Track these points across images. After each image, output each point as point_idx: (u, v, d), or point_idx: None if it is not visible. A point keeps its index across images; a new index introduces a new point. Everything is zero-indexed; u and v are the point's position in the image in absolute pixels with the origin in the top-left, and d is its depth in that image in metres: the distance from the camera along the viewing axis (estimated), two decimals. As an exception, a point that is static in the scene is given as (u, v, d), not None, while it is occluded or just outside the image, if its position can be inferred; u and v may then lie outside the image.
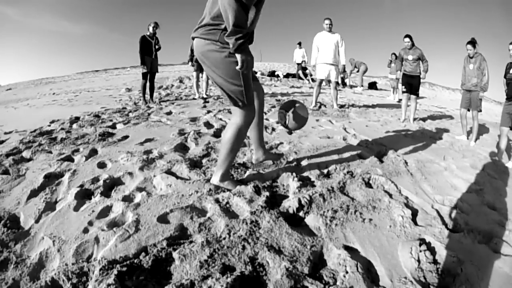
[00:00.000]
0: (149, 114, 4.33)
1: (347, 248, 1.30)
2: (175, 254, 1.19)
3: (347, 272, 1.14)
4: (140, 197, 1.69)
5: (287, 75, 12.65)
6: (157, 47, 5.70)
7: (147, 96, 5.80)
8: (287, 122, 2.01)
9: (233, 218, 1.46)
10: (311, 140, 2.93)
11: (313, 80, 10.77)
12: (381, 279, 1.18)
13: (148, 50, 5.56)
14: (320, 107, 5.54)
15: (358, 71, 11.33)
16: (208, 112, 4.54)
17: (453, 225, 1.60)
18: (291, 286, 1.06)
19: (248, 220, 1.42)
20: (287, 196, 1.77)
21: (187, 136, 2.98)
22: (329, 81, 5.43)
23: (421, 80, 4.95)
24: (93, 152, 2.53)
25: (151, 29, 5.57)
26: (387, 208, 1.65)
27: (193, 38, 1.65)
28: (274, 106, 5.22)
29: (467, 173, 2.45)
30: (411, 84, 4.90)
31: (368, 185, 1.98)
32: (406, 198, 1.85)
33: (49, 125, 3.63)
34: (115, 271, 1.07)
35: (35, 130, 3.32)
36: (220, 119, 4.04)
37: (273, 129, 3.43)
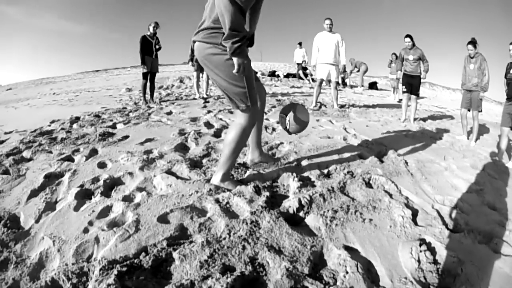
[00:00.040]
0: (149, 114, 4.33)
1: (347, 248, 1.30)
2: (175, 254, 1.19)
3: (347, 272, 1.14)
4: (140, 197, 1.69)
5: (288, 75, 12.64)
6: (157, 47, 5.70)
7: (148, 96, 5.80)
8: (287, 127, 2.01)
9: (233, 218, 1.46)
10: (312, 140, 2.93)
11: (313, 80, 10.77)
12: (381, 279, 1.18)
13: (149, 50, 5.57)
14: (320, 107, 5.54)
15: (358, 71, 11.33)
16: (209, 112, 4.54)
17: (453, 225, 1.60)
18: (291, 286, 1.06)
19: (248, 220, 1.42)
20: (287, 196, 1.77)
21: (188, 136, 2.98)
22: (330, 81, 5.43)
23: (422, 80, 4.94)
24: (94, 152, 2.53)
25: (151, 29, 5.57)
26: (388, 208, 1.65)
27: (194, 42, 1.66)
28: (274, 106, 5.22)
29: (467, 173, 2.45)
30: (412, 84, 4.90)
31: (369, 185, 1.98)
32: (407, 198, 1.84)
33: (50, 125, 3.63)
34: (115, 271, 1.07)
35: (35, 130, 3.32)
36: (221, 119, 4.04)
37: (273, 129, 3.43)
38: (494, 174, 2.56)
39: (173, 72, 14.10)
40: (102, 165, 2.22)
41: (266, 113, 4.44)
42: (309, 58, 10.38)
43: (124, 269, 1.10)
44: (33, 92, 8.99)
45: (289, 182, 1.92)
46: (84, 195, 1.76)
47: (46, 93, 8.48)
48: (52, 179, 1.97)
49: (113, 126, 3.51)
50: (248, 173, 2.01)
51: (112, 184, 1.90)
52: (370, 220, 1.53)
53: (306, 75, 11.53)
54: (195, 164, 2.21)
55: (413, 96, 4.90)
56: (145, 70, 5.60)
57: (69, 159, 2.38)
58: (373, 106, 6.35)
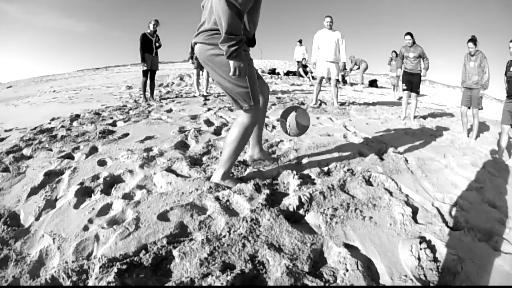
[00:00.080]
0: (149, 112, 4.32)
1: (347, 246, 1.30)
2: (175, 252, 1.19)
3: (347, 270, 1.14)
4: (140, 194, 1.69)
5: (288, 73, 12.63)
6: (157, 44, 5.69)
7: (148, 94, 5.79)
8: (288, 131, 2.01)
9: (233, 216, 1.46)
10: (312, 138, 2.92)
11: (313, 77, 10.75)
12: (381, 277, 1.18)
13: (149, 48, 5.55)
14: (320, 104, 5.54)
15: (358, 69, 11.31)
16: (209, 109, 4.53)
17: (453, 223, 1.60)
18: (291, 284, 1.06)
19: (248, 218, 1.42)
20: (288, 194, 1.77)
21: (188, 133, 2.98)
22: (330, 79, 5.42)
23: (422, 78, 4.94)
24: (94, 149, 2.53)
25: (151, 26, 5.55)
26: (388, 206, 1.65)
27: (195, 43, 1.66)
28: (274, 104, 5.22)
29: (467, 171, 2.45)
30: (412, 82, 4.89)
31: (369, 183, 1.98)
32: (407, 196, 1.84)
33: (50, 123, 3.63)
34: (115, 269, 1.07)
35: (35, 128, 3.31)
36: (221, 116, 4.03)
37: (274, 127, 3.42)
38: (494, 172, 2.56)
39: (173, 70, 14.07)
40: (102, 163, 2.22)
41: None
42: (309, 55, 10.37)
43: (124, 266, 1.10)
44: (33, 90, 8.97)
45: (289, 180, 1.92)
46: (84, 193, 1.75)
47: (46, 90, 8.47)
48: (52, 176, 1.96)
49: (113, 124, 3.51)
50: (248, 170, 2.01)
51: (112, 182, 1.90)
52: (370, 218, 1.53)
53: (306, 73, 11.50)
54: (195, 162, 2.21)
55: (413, 94, 4.89)
56: (145, 68, 5.59)
57: (69, 156, 2.38)
58: (373, 104, 6.35)
